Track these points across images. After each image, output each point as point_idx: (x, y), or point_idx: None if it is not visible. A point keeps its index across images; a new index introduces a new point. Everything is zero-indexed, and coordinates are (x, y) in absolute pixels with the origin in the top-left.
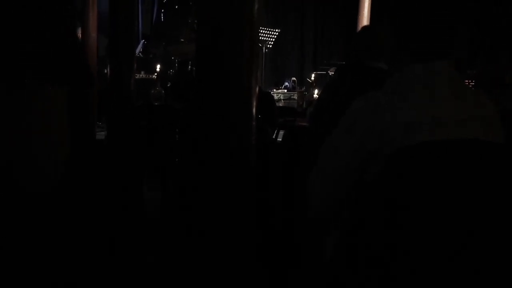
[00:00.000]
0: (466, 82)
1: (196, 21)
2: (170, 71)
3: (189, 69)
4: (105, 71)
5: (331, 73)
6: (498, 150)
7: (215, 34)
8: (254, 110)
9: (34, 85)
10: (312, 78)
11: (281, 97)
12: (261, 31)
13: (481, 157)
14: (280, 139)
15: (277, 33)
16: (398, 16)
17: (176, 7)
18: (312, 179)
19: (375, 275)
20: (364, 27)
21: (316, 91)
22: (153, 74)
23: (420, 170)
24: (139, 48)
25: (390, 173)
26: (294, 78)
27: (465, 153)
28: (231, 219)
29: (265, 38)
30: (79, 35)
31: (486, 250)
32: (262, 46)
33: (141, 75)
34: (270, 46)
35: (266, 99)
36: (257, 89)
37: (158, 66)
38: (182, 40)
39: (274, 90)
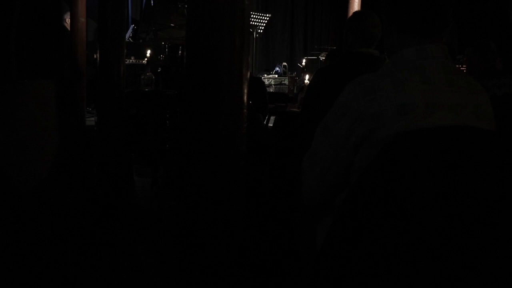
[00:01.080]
0: (458, 66)
1: (186, 6)
2: (160, 56)
3: (179, 54)
4: (95, 56)
5: (322, 58)
6: (493, 138)
7: (205, 22)
8: (245, 98)
9: (23, 79)
10: (303, 63)
11: (272, 83)
12: (252, 16)
13: (476, 144)
14: (271, 125)
15: (267, 18)
16: None
17: None
18: (305, 163)
19: (366, 264)
20: (356, 13)
21: (307, 76)
22: (143, 59)
23: (414, 157)
24: (128, 33)
25: (384, 160)
26: (285, 63)
27: (460, 140)
28: (223, 209)
29: (255, 23)
30: (68, 20)
31: (483, 237)
32: (253, 31)
33: (131, 61)
34: (261, 31)
35: (257, 85)
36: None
37: (149, 51)
38: (172, 25)
39: (265, 75)
